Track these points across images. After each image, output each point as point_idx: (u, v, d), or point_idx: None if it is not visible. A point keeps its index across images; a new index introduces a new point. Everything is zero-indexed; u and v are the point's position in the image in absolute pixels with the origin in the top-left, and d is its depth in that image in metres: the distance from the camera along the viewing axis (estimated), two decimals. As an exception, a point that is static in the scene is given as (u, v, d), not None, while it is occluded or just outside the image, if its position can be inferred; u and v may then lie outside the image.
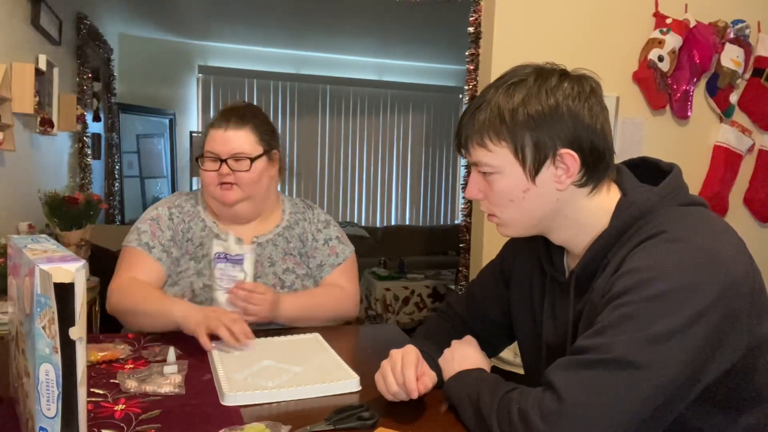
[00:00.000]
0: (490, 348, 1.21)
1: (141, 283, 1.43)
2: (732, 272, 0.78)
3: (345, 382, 1.07)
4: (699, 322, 0.76)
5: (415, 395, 0.94)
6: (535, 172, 0.89)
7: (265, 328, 1.41)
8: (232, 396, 1.00)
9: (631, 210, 0.89)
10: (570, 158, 0.87)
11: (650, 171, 0.97)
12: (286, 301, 1.43)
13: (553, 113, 0.86)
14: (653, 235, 0.83)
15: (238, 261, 1.37)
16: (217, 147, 1.48)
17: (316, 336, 1.34)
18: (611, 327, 0.78)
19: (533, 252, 1.07)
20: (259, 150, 1.50)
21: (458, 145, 0.95)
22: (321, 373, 1.10)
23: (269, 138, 1.54)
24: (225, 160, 1.47)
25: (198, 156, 1.52)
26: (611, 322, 0.79)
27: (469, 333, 1.17)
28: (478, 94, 0.94)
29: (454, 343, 1.10)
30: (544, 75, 0.89)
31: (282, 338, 1.33)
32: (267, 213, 1.59)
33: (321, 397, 1.04)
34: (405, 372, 0.94)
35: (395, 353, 0.99)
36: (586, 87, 0.89)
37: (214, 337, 1.24)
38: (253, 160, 1.48)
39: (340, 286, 1.58)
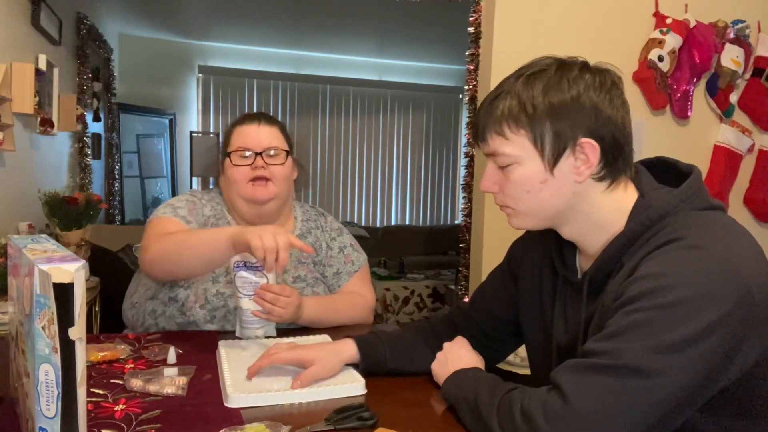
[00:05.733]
0: (501, 347, 1.21)
1: (179, 231, 1.38)
2: (748, 282, 0.76)
3: (350, 385, 1.05)
4: (712, 332, 0.74)
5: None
6: (554, 162, 0.87)
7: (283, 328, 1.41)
8: (235, 398, 0.99)
9: (648, 213, 0.87)
10: (590, 147, 0.87)
11: (668, 171, 0.95)
12: (307, 304, 1.42)
13: (574, 103, 0.86)
14: (670, 240, 0.82)
15: (259, 267, 1.33)
16: (250, 142, 1.47)
17: (325, 337, 1.34)
18: (623, 333, 0.77)
19: (544, 252, 1.06)
20: (288, 148, 1.52)
21: (475, 135, 0.95)
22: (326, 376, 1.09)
23: (291, 143, 1.56)
24: (260, 153, 1.46)
25: (228, 152, 1.47)
26: (623, 327, 0.77)
27: (478, 332, 1.18)
28: (497, 85, 0.93)
29: (446, 345, 1.10)
30: (565, 66, 0.89)
31: (291, 339, 1.32)
32: (282, 220, 1.57)
33: (325, 400, 1.03)
34: (276, 357, 1.08)
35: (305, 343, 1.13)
36: (607, 80, 0.89)
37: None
38: (288, 153, 1.50)
39: (360, 294, 1.59)
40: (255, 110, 5.95)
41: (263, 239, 1.14)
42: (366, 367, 1.12)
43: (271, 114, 6.71)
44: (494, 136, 0.90)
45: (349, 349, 1.12)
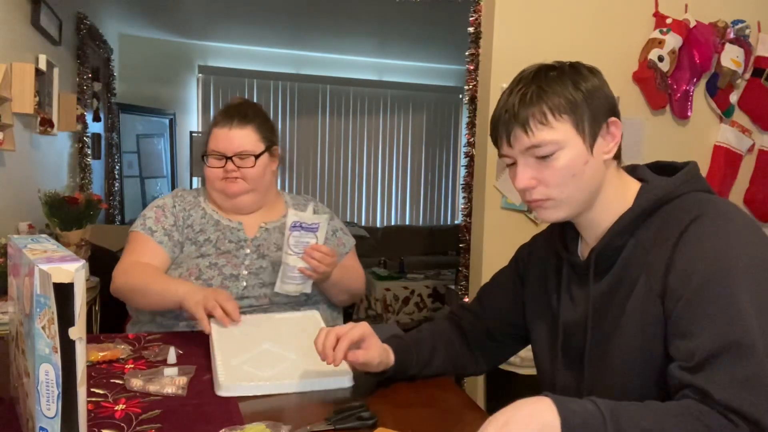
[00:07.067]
0: (501, 351, 1.23)
1: (147, 265, 1.51)
2: None
3: (338, 378, 1.08)
4: None
5: (329, 362, 1.00)
6: (592, 142, 0.93)
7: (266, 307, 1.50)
8: (228, 386, 1.01)
9: (656, 191, 0.94)
10: (616, 125, 0.96)
11: (665, 171, 1.00)
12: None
13: (599, 88, 0.95)
14: (692, 220, 0.87)
15: (313, 229, 1.44)
16: (221, 146, 1.55)
17: (315, 314, 1.38)
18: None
19: (548, 249, 1.11)
20: (262, 147, 1.58)
21: (507, 135, 0.94)
22: (315, 365, 1.09)
23: (270, 135, 1.62)
24: (230, 158, 1.54)
25: (203, 154, 1.60)
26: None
27: (482, 333, 1.20)
28: (513, 88, 0.95)
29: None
30: (571, 64, 0.97)
31: (282, 315, 1.39)
32: (270, 204, 1.67)
33: (315, 392, 1.06)
34: (340, 341, 1.01)
35: (349, 324, 1.06)
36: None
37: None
38: (257, 157, 1.56)
39: (357, 270, 1.70)
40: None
41: (213, 313, 1.27)
42: (393, 373, 1.11)
43: (271, 114, 6.70)
44: (538, 126, 0.92)
45: (391, 355, 1.11)
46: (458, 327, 1.22)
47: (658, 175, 0.98)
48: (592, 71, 0.96)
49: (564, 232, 1.07)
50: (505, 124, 0.94)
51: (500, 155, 0.99)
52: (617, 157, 0.98)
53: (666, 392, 0.85)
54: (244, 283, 1.51)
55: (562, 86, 0.92)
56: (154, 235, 1.54)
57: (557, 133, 0.92)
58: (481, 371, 1.27)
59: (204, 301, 1.29)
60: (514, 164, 0.97)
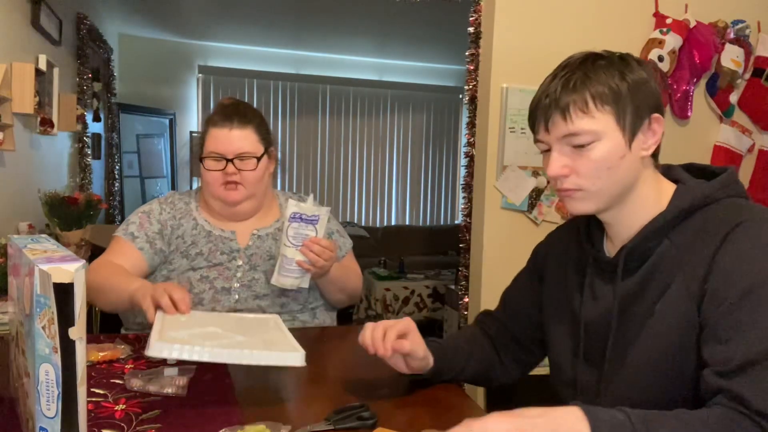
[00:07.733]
0: (529, 356, 1.20)
1: (112, 264, 1.46)
2: None
3: (288, 354, 1.01)
4: None
5: (381, 352, 1.01)
6: (631, 137, 0.91)
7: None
8: (156, 346, 0.94)
9: (694, 193, 0.91)
10: (659, 122, 0.93)
11: (701, 173, 0.98)
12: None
13: (646, 82, 0.93)
14: (736, 225, 0.85)
15: (312, 221, 1.41)
16: (221, 147, 1.48)
17: (276, 318, 1.28)
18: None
19: (567, 246, 1.09)
20: (261, 149, 1.53)
21: (545, 120, 0.93)
22: (264, 345, 1.03)
23: (267, 136, 1.56)
24: (231, 160, 1.48)
25: (200, 156, 1.52)
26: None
27: (508, 338, 1.18)
28: (558, 73, 0.93)
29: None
30: (621, 55, 0.95)
31: (241, 315, 1.33)
32: (265, 209, 1.62)
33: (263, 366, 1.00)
34: (387, 332, 1.02)
35: (394, 320, 1.06)
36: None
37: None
38: (258, 159, 1.51)
39: (355, 269, 1.67)
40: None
41: (159, 301, 1.16)
42: (431, 376, 1.11)
43: (271, 113, 6.65)
44: (579, 114, 0.90)
45: (430, 357, 1.10)
46: (486, 335, 1.20)
47: (694, 178, 0.96)
48: (641, 64, 0.94)
49: (589, 228, 1.05)
50: (545, 110, 0.92)
51: (535, 141, 0.97)
52: (655, 155, 0.96)
53: (687, 395, 0.84)
54: (237, 296, 1.48)
55: (608, 75, 0.90)
56: (135, 241, 1.50)
57: (597, 123, 0.90)
58: (513, 379, 1.22)
59: (152, 292, 1.19)
60: (548, 151, 0.94)
